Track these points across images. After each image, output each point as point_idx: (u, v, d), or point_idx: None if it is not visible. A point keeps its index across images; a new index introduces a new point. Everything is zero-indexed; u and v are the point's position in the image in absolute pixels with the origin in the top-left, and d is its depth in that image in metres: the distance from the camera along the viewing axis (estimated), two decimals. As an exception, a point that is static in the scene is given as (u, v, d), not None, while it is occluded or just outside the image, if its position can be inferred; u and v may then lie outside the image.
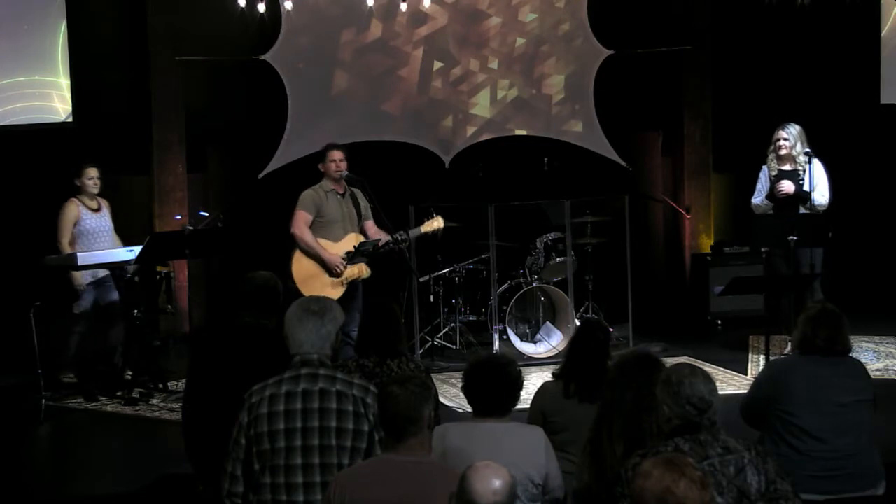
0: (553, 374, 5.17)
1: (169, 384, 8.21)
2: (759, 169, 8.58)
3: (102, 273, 8.12)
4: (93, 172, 8.18)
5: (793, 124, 8.41)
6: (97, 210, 8.24)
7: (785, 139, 8.34)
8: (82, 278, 8.06)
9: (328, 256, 7.70)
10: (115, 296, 8.22)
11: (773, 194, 8.38)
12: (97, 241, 8.15)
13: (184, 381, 8.05)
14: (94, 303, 8.20)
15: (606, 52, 10.24)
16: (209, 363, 4.98)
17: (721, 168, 10.74)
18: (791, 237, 7.86)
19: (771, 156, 8.46)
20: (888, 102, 10.34)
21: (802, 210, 8.30)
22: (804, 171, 8.29)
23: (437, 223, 8.20)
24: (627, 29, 10.28)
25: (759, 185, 8.52)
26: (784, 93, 10.39)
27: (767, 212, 8.47)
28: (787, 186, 8.31)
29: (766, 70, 10.54)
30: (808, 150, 8.29)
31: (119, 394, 8.07)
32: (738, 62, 10.58)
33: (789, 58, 10.50)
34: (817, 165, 8.31)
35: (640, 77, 10.38)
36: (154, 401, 7.98)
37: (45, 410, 7.61)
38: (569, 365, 5.06)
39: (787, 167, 8.40)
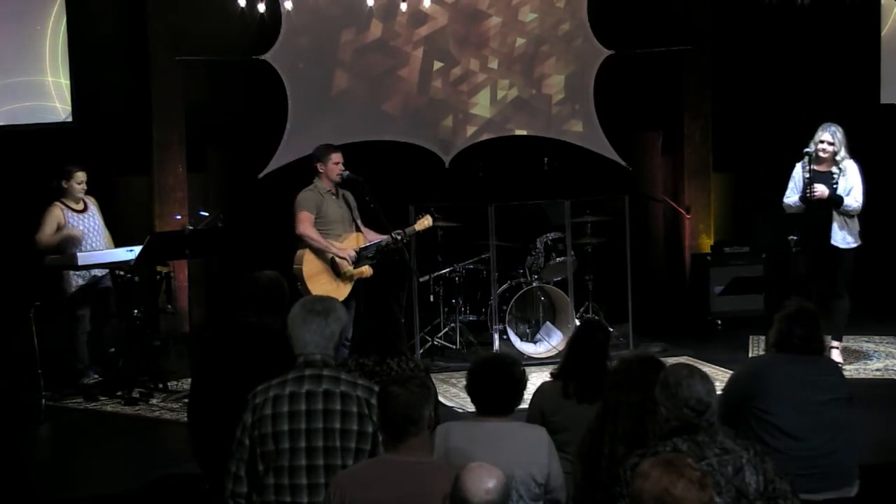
0: (552, 374, 5.16)
1: (169, 384, 8.22)
2: (773, 167, 8.45)
3: (98, 273, 8.14)
4: (82, 177, 8.22)
5: (836, 126, 8.21)
6: (83, 211, 8.26)
7: (830, 143, 8.14)
8: (74, 279, 8.08)
9: (337, 251, 7.74)
10: (106, 297, 8.25)
11: (805, 196, 8.17)
12: (86, 241, 8.17)
13: (184, 380, 8.10)
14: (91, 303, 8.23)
15: (606, 52, 10.24)
16: (214, 363, 4.98)
17: (721, 168, 10.73)
18: (791, 237, 7.84)
19: (808, 157, 8.21)
20: (888, 102, 10.33)
21: (835, 213, 8.19)
22: (841, 172, 8.16)
23: (426, 221, 8.29)
24: (627, 29, 10.28)
25: (791, 184, 8.30)
26: (784, 93, 10.39)
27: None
28: (822, 190, 8.10)
29: (766, 70, 10.53)
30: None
31: (119, 394, 8.07)
32: (738, 62, 10.57)
33: (789, 58, 10.49)
34: (853, 168, 8.19)
35: (640, 77, 10.37)
36: (154, 401, 7.98)
37: (45, 410, 7.61)
38: (568, 365, 5.06)
39: (821, 168, 8.21)
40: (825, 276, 8.11)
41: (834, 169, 8.20)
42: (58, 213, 8.14)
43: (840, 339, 8.40)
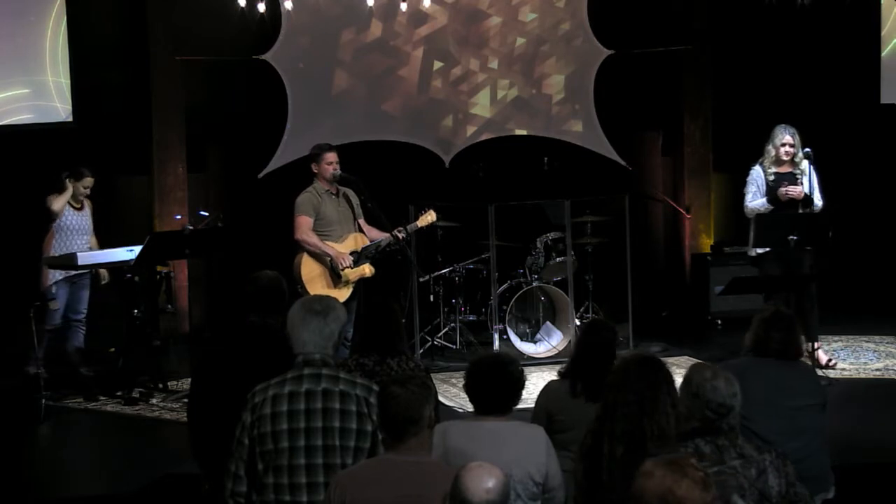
0: (559, 373, 5.16)
1: (169, 384, 8.22)
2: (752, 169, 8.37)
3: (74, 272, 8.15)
4: (90, 182, 8.26)
5: (793, 127, 8.21)
6: (80, 209, 8.28)
7: (792, 145, 8.14)
8: (52, 274, 8.09)
9: (335, 253, 7.71)
10: (84, 297, 8.25)
11: (775, 197, 8.15)
12: (76, 238, 8.19)
13: (184, 380, 8.10)
14: (67, 301, 8.22)
15: (606, 52, 10.24)
16: (215, 362, 4.97)
17: (721, 168, 10.73)
18: (791, 237, 7.83)
19: (770, 157, 8.23)
20: (888, 102, 10.33)
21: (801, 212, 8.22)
22: (802, 173, 8.16)
23: (430, 217, 8.22)
24: (627, 29, 10.28)
25: (753, 188, 8.28)
26: (784, 93, 10.39)
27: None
28: (798, 190, 8.10)
29: (766, 70, 10.54)
30: (807, 150, 8.19)
31: (119, 394, 8.07)
32: (738, 62, 10.58)
33: (789, 58, 10.50)
34: (811, 169, 8.18)
35: (640, 77, 10.38)
36: (154, 401, 7.98)
37: (45, 410, 7.61)
38: (576, 364, 5.05)
39: (783, 170, 8.22)
40: (795, 279, 8.07)
41: (795, 170, 8.20)
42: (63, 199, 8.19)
43: (817, 340, 8.38)
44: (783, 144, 8.17)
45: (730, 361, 5.89)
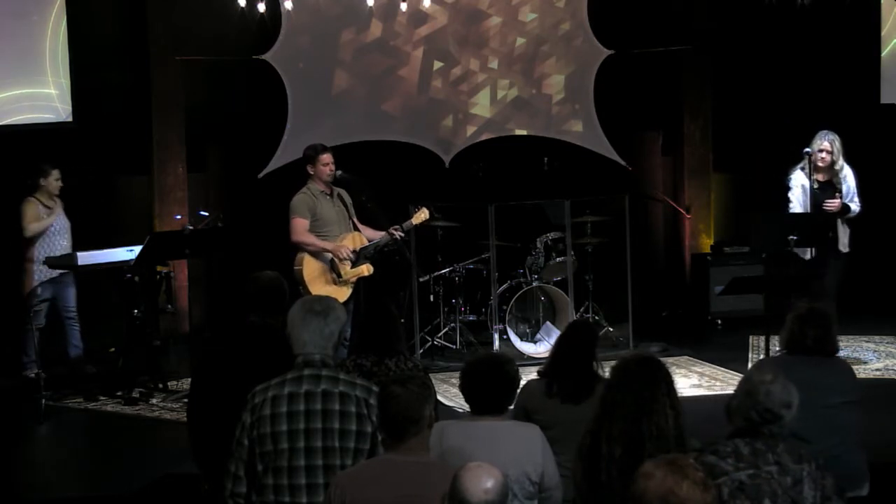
0: (538, 373, 5.15)
1: (169, 384, 8.22)
2: (785, 174, 8.26)
3: (59, 271, 8.15)
4: (57, 174, 8.26)
5: (833, 133, 8.10)
6: (52, 209, 8.29)
7: (829, 152, 8.03)
8: (37, 275, 8.09)
9: (333, 247, 7.70)
10: (71, 294, 8.27)
11: (816, 205, 8.02)
12: (57, 239, 8.22)
13: (184, 380, 8.10)
14: (52, 301, 8.23)
15: (606, 52, 10.25)
16: (216, 363, 4.97)
17: (721, 168, 10.74)
18: (791, 237, 7.82)
19: (807, 164, 8.05)
20: (888, 102, 10.33)
21: (840, 220, 8.14)
22: (842, 180, 8.10)
23: (423, 214, 8.21)
24: (627, 29, 10.28)
25: (798, 193, 8.13)
26: (784, 92, 10.39)
27: None
28: (837, 204, 8.06)
29: (766, 70, 10.54)
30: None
31: (119, 394, 8.08)
32: (738, 62, 10.57)
33: (789, 58, 10.50)
34: (850, 172, 8.16)
35: (640, 77, 10.38)
36: (154, 401, 7.98)
37: (45, 410, 7.61)
38: (553, 364, 5.04)
39: (822, 178, 8.13)
40: (820, 279, 8.05)
41: (835, 178, 8.14)
42: (35, 205, 8.19)
43: None
44: (820, 150, 8.06)
45: (765, 358, 5.85)
